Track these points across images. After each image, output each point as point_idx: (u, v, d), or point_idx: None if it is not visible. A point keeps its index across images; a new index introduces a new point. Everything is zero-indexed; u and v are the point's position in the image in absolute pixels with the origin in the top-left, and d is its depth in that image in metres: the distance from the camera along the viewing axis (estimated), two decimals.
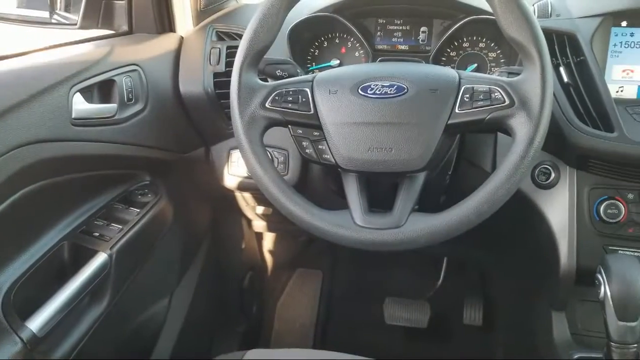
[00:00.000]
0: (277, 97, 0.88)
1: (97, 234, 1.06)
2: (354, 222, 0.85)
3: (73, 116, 0.94)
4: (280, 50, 1.15)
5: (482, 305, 1.78)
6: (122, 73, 1.06)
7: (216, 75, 1.17)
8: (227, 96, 0.94)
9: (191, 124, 1.24)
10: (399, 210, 0.85)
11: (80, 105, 0.97)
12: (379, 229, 0.84)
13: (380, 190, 0.94)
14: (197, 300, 1.48)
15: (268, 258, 1.89)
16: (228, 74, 1.10)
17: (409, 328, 1.78)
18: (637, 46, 1.03)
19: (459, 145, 1.08)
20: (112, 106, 1.04)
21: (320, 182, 1.22)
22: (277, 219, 1.55)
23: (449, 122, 0.84)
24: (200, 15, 1.30)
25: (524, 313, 1.42)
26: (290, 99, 0.88)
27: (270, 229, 1.71)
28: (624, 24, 1.02)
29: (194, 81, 1.18)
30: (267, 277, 1.90)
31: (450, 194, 1.16)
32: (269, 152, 1.17)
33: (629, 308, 0.86)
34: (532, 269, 1.33)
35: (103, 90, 1.04)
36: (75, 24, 1.19)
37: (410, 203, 0.86)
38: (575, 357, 1.06)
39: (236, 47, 0.91)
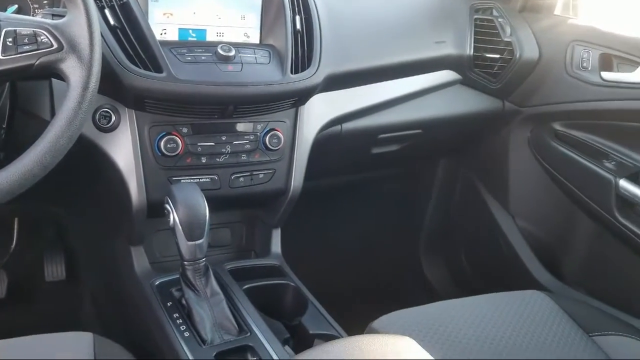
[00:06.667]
0: None
1: None
2: None
3: None
4: None
5: (64, 258, 1.73)
6: None
7: None
8: None
9: None
10: None
11: None
12: None
13: None
14: None
15: None
16: None
17: None
18: None
19: (11, 95, 1.00)
20: None
21: None
22: None
23: None
24: None
25: (106, 255, 1.45)
26: None
27: None
28: None
29: None
30: None
31: (10, 149, 1.07)
32: None
33: (195, 228, 0.98)
34: (108, 211, 1.36)
35: None
36: None
37: None
38: (156, 283, 1.14)
39: None
